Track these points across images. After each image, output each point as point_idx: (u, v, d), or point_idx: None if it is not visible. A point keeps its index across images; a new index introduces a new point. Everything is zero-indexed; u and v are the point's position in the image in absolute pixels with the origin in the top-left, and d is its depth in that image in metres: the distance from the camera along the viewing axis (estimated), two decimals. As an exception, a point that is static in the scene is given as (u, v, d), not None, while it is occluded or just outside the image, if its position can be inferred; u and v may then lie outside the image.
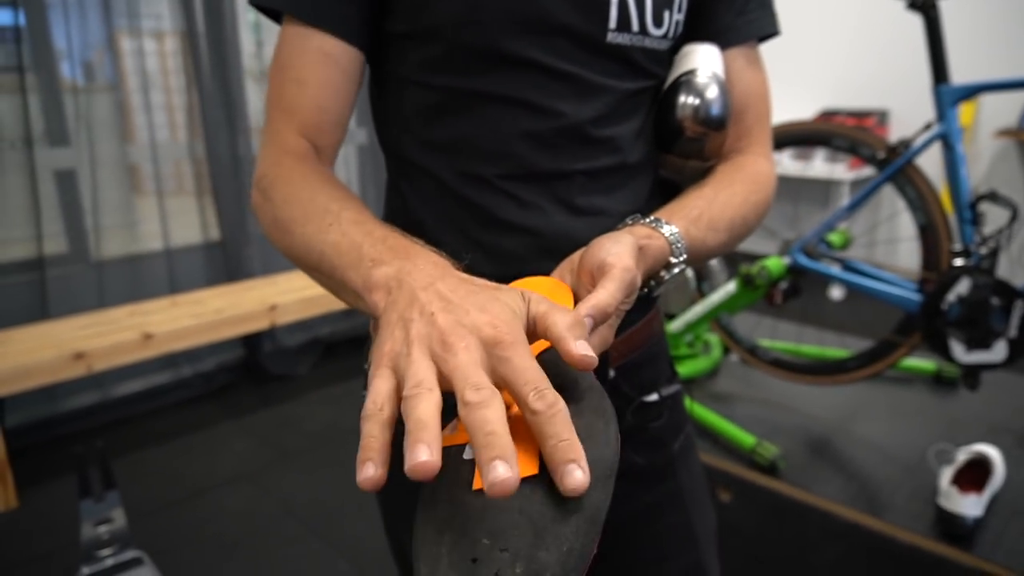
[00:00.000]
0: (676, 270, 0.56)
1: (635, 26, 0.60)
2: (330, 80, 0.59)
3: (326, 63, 0.59)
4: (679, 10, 0.63)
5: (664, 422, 0.74)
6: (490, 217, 0.61)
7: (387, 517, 0.76)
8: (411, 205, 0.64)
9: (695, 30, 0.66)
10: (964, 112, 3.48)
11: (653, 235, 0.55)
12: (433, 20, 0.58)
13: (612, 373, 0.67)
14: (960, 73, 1.73)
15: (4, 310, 2.37)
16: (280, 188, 0.57)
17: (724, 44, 0.66)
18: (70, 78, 2.54)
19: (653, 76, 0.65)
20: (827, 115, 3.84)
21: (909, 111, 3.59)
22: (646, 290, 0.56)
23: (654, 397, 0.72)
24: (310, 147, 0.60)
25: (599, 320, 0.46)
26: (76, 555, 1.61)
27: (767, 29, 0.69)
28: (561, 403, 0.35)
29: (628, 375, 0.69)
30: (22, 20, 2.35)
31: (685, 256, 0.56)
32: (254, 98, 2.93)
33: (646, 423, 0.72)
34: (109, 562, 1.60)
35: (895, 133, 3.67)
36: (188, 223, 2.85)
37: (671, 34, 0.63)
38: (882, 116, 3.68)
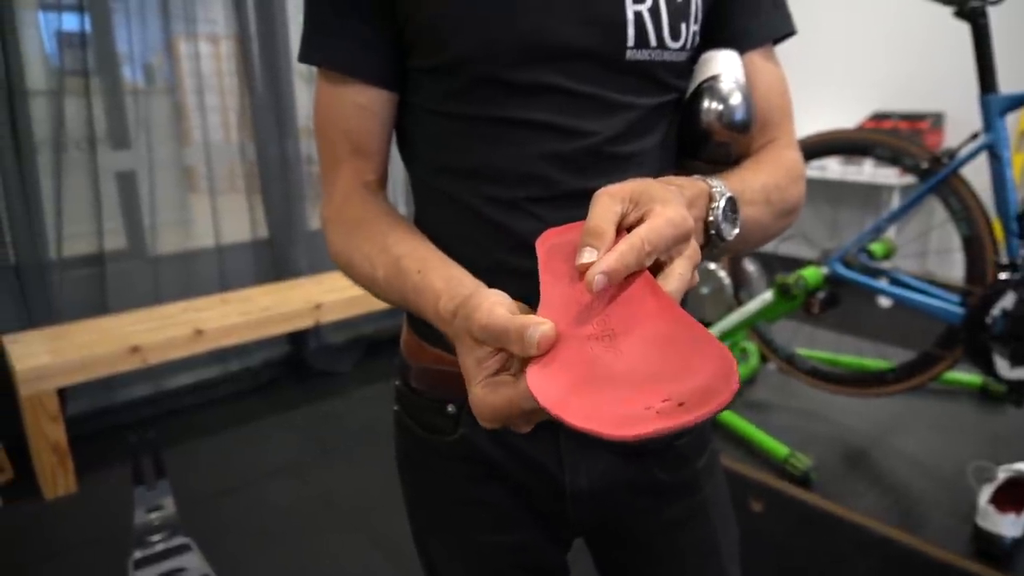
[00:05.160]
0: (721, 202, 0.55)
1: (653, 41, 0.60)
2: (368, 128, 0.67)
3: (361, 114, 0.66)
4: (695, 21, 0.63)
5: (689, 439, 0.75)
6: (518, 240, 0.62)
7: (416, 528, 0.79)
8: (439, 230, 0.66)
9: (711, 37, 0.66)
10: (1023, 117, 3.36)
11: (689, 181, 0.55)
12: (453, 56, 0.60)
13: None
14: (1011, 82, 1.68)
15: (68, 303, 2.50)
16: (343, 237, 0.66)
17: (741, 48, 0.66)
18: (131, 81, 2.66)
19: (674, 89, 0.65)
20: (879, 118, 3.73)
21: (965, 114, 3.47)
22: (713, 232, 0.55)
23: None
24: (363, 185, 0.68)
25: (646, 251, 0.45)
26: (129, 539, 1.70)
27: (783, 29, 0.69)
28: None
29: None
30: (87, 26, 2.47)
31: (728, 193, 0.55)
32: (303, 100, 3.01)
33: (671, 440, 0.73)
34: (159, 547, 1.68)
35: (950, 136, 3.56)
36: (238, 221, 2.95)
37: (689, 46, 0.63)
38: (937, 119, 3.57)
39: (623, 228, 0.47)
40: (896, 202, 3.55)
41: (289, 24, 2.88)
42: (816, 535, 1.41)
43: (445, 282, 0.54)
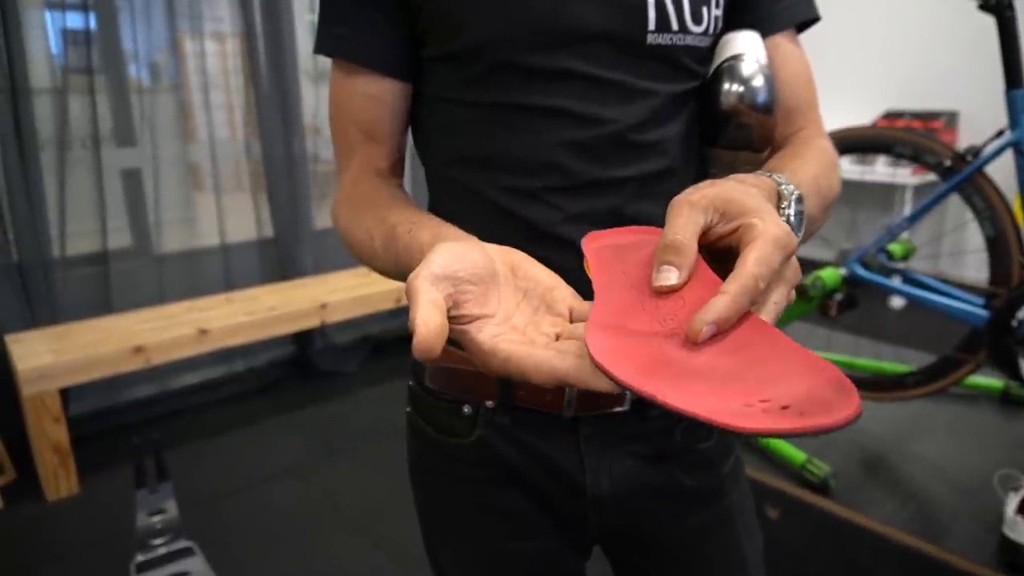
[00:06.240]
0: (792, 200, 0.49)
1: (674, 25, 0.58)
2: (379, 116, 0.65)
3: (373, 103, 0.65)
4: (717, 5, 0.61)
5: (713, 443, 0.72)
6: (535, 231, 0.60)
7: (427, 533, 0.76)
8: (454, 221, 0.63)
9: (734, 21, 0.64)
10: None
11: (758, 178, 0.50)
12: (469, 42, 0.58)
13: None
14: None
15: (71, 302, 2.48)
16: (347, 216, 0.64)
17: (764, 32, 0.64)
18: (136, 79, 2.64)
19: (697, 76, 0.63)
20: (891, 117, 3.69)
21: (980, 113, 3.43)
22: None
23: None
24: (375, 171, 0.66)
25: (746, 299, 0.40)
26: (131, 542, 1.67)
27: (807, 14, 0.67)
28: None
29: None
30: (93, 24, 2.45)
31: (797, 191, 0.50)
32: (309, 98, 2.99)
33: (695, 444, 0.71)
34: (161, 551, 1.65)
35: (965, 136, 3.51)
36: (243, 220, 2.93)
37: (711, 30, 0.61)
38: (951, 118, 3.52)
39: (707, 240, 0.42)
40: (909, 202, 3.50)
41: (295, 22, 2.86)
42: (834, 543, 1.37)
43: (432, 235, 0.52)
